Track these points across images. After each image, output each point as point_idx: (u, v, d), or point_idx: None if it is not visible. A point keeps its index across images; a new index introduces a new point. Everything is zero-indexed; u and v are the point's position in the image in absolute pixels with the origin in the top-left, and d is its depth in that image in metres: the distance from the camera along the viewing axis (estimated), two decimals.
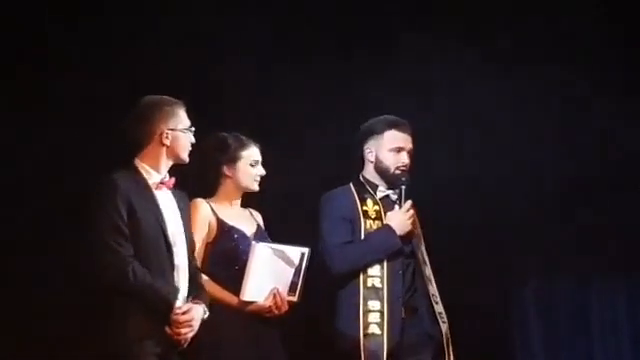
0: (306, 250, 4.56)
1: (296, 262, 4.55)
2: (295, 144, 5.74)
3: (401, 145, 4.85)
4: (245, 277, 4.46)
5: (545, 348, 6.00)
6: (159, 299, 4.05)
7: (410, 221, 4.78)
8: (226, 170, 4.63)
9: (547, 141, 5.86)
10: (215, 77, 5.66)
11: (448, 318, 4.78)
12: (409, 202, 4.80)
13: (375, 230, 4.79)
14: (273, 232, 4.72)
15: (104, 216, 4.04)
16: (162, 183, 4.21)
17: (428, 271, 4.82)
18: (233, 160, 4.62)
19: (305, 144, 5.81)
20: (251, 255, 4.46)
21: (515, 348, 6.02)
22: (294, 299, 4.57)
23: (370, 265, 4.73)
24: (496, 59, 5.81)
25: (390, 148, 4.85)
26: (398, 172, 4.84)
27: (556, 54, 5.89)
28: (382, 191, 4.87)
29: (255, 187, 4.67)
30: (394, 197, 4.87)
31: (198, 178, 4.61)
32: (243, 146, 4.65)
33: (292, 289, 4.56)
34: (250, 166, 4.64)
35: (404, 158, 4.85)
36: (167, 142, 4.18)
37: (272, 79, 5.79)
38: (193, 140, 4.25)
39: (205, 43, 5.63)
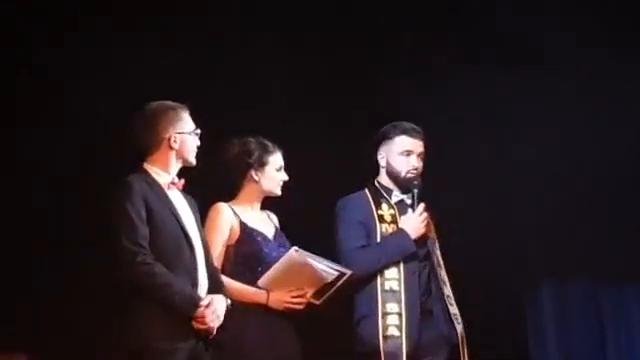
0: (348, 272, 4.60)
1: (330, 279, 4.59)
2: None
3: (410, 149, 4.90)
4: (270, 270, 4.52)
5: (559, 351, 6.01)
6: (184, 298, 4.08)
7: (424, 224, 4.83)
8: (254, 174, 4.70)
9: (555, 141, 5.86)
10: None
11: (463, 320, 4.81)
12: (422, 205, 4.85)
13: (390, 234, 4.83)
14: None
15: (122, 217, 4.08)
16: (173, 184, 4.28)
17: (443, 273, 4.87)
18: (262, 165, 4.70)
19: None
20: (286, 256, 4.51)
21: (529, 351, 6.02)
22: (316, 302, 4.62)
23: (386, 268, 4.78)
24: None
25: (400, 152, 4.91)
26: (409, 176, 4.89)
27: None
28: (397, 195, 4.92)
29: (278, 192, 4.76)
30: (409, 201, 4.91)
31: (222, 181, 4.70)
32: (270, 151, 4.73)
33: (316, 297, 4.62)
34: (276, 171, 4.73)
35: (414, 161, 4.90)
36: (175, 146, 4.26)
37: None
38: (199, 143, 4.32)
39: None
